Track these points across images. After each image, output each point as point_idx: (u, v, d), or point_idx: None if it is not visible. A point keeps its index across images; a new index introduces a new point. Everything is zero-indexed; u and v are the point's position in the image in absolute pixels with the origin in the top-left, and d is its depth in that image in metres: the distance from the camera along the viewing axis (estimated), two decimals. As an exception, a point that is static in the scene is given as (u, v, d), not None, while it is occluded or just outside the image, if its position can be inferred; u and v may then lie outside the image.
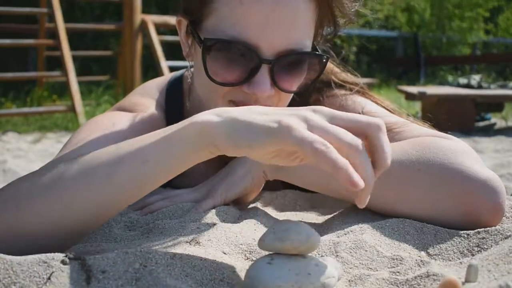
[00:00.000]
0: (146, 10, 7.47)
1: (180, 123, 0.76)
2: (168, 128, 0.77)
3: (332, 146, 0.64)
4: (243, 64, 0.98)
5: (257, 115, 0.71)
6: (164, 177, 0.77)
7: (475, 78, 5.73)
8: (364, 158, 0.66)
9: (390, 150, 0.69)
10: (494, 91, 5.21)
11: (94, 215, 0.78)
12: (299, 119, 0.68)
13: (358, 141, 0.66)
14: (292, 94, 1.07)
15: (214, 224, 0.91)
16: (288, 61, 0.99)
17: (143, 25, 6.24)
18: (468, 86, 5.59)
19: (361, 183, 0.63)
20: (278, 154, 0.72)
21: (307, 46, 1.01)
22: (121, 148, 0.78)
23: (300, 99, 1.16)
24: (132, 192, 0.79)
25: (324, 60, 1.04)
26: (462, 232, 0.87)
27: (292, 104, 1.12)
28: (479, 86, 5.52)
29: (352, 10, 1.08)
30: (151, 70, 7.24)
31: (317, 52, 1.05)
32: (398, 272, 0.75)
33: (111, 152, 0.78)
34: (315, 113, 0.69)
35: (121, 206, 0.80)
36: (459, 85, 5.72)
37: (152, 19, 6.31)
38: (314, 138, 0.64)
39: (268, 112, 0.71)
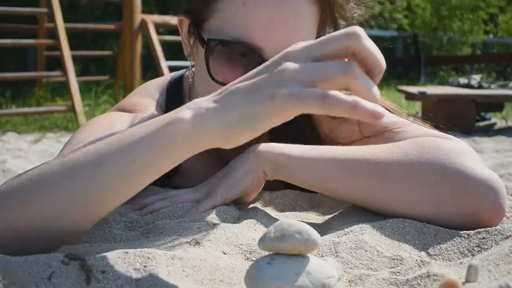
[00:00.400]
0: (146, 9, 7.47)
1: (164, 119, 0.72)
2: (153, 124, 0.73)
3: (332, 92, 0.62)
4: (246, 65, 0.98)
5: (246, 96, 0.67)
6: (153, 175, 0.75)
7: (476, 78, 5.73)
8: (363, 79, 0.64)
9: (379, 51, 0.67)
10: (494, 91, 5.21)
11: (85, 215, 0.77)
12: (285, 80, 0.64)
13: (349, 67, 0.63)
14: None
15: (214, 224, 0.91)
16: None
17: (143, 25, 6.24)
18: (468, 86, 5.59)
19: (380, 110, 0.62)
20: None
21: None
22: (107, 146, 0.75)
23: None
24: (119, 194, 0.76)
25: None
26: (462, 232, 0.87)
27: None
28: (480, 86, 5.52)
29: (354, 14, 1.08)
30: (151, 70, 7.24)
31: None
32: (398, 272, 0.75)
33: (96, 151, 0.76)
34: (292, 62, 0.66)
35: (110, 206, 0.78)
36: (459, 85, 5.73)
37: (152, 19, 6.32)
38: (312, 95, 0.62)
39: (253, 88, 0.67)
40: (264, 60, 0.97)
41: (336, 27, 1.09)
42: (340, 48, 0.67)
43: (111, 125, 1.09)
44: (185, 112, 0.70)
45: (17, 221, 0.75)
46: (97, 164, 0.74)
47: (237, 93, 0.68)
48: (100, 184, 0.74)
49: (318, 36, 1.07)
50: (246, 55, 0.97)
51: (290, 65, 0.65)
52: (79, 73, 6.31)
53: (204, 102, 0.70)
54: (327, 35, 0.68)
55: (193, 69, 1.14)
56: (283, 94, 0.64)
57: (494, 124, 5.12)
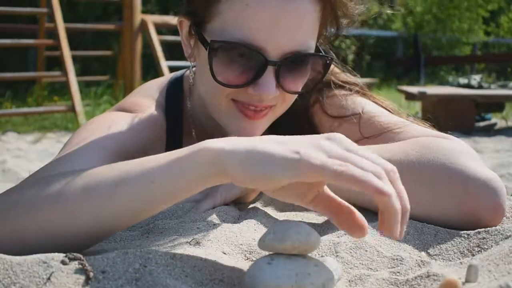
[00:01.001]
0: (147, 8, 7.47)
1: (190, 147, 0.74)
2: (177, 152, 0.74)
3: (350, 164, 0.64)
4: (249, 66, 0.98)
5: (274, 144, 0.69)
6: (168, 201, 0.75)
7: (475, 78, 5.73)
8: (390, 187, 0.65)
9: (406, 195, 0.68)
10: (494, 91, 5.21)
11: (96, 232, 0.77)
12: (317, 148, 0.67)
13: (380, 168, 0.66)
14: (296, 95, 1.07)
15: (214, 224, 0.91)
16: (293, 63, 0.99)
17: (143, 25, 6.24)
18: (468, 86, 5.59)
19: (388, 189, 0.63)
20: (290, 188, 0.72)
21: (312, 47, 1.02)
22: (128, 166, 0.76)
23: (300, 100, 1.16)
24: (134, 214, 0.76)
25: (328, 61, 1.05)
26: (462, 232, 0.87)
27: (292, 104, 1.12)
28: (480, 86, 5.52)
29: (356, 12, 1.08)
30: (151, 70, 7.25)
31: (321, 54, 1.05)
32: (398, 272, 0.75)
33: (117, 169, 0.76)
34: (331, 142, 0.69)
35: (123, 225, 0.78)
36: (459, 85, 5.72)
37: (152, 19, 6.32)
38: (334, 162, 0.65)
39: (284, 141, 0.69)
40: (267, 60, 0.98)
41: (338, 26, 1.09)
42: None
43: (110, 125, 1.09)
44: (213, 141, 0.72)
45: (26, 230, 0.75)
46: (116, 182, 0.74)
47: (270, 140, 0.70)
48: (116, 201, 0.74)
49: (320, 35, 1.07)
50: (249, 56, 0.97)
51: (328, 143, 0.69)
52: (79, 73, 6.30)
53: (238, 138, 0.72)
54: (371, 154, 0.69)
55: (194, 69, 1.14)
56: (309, 153, 0.66)
57: (495, 124, 5.12)
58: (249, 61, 0.98)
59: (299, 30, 0.98)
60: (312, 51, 1.02)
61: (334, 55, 1.23)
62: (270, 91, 0.98)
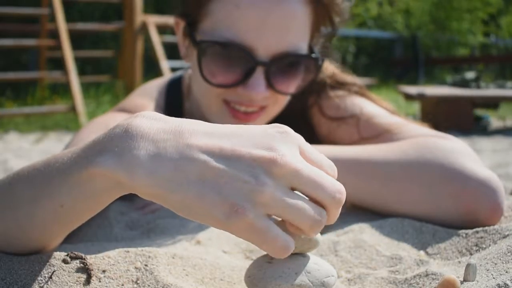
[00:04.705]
0: (148, 8, 7.46)
1: (78, 156, 0.60)
2: (73, 162, 0.60)
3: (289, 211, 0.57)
4: (239, 66, 0.99)
5: (203, 189, 0.54)
6: (86, 215, 0.65)
7: (470, 74, 5.75)
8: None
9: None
10: (493, 91, 5.22)
11: (26, 245, 0.68)
12: (255, 200, 0.55)
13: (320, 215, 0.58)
14: (289, 97, 1.08)
15: (214, 224, 0.91)
16: (283, 63, 1.00)
17: (144, 25, 6.25)
18: (464, 82, 5.60)
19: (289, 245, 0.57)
20: None
21: (303, 48, 1.02)
22: (41, 186, 0.64)
23: (298, 101, 1.17)
24: (53, 231, 0.67)
25: (320, 63, 1.05)
26: (460, 231, 0.87)
27: (290, 106, 1.12)
28: (476, 80, 5.53)
29: (347, 12, 1.09)
30: (152, 70, 7.26)
31: (312, 55, 1.06)
32: (397, 271, 0.75)
33: (32, 187, 0.65)
34: (272, 185, 0.55)
35: (49, 242, 0.69)
36: (455, 84, 5.74)
37: (153, 20, 6.32)
38: (270, 235, 0.56)
39: (218, 186, 0.54)
40: (256, 61, 0.98)
41: (333, 28, 1.10)
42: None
43: (110, 126, 1.10)
44: (98, 159, 0.57)
45: None
46: (32, 202, 0.64)
47: (203, 179, 0.54)
48: (34, 224, 0.65)
49: (312, 38, 1.07)
50: (238, 56, 0.98)
51: (269, 189, 0.56)
52: (80, 73, 6.30)
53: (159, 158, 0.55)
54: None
55: (190, 70, 1.15)
56: (246, 217, 0.54)
57: (491, 125, 5.12)
58: (238, 61, 0.99)
59: (288, 31, 0.99)
60: (304, 52, 1.03)
61: (334, 56, 1.23)
62: (260, 91, 0.99)
